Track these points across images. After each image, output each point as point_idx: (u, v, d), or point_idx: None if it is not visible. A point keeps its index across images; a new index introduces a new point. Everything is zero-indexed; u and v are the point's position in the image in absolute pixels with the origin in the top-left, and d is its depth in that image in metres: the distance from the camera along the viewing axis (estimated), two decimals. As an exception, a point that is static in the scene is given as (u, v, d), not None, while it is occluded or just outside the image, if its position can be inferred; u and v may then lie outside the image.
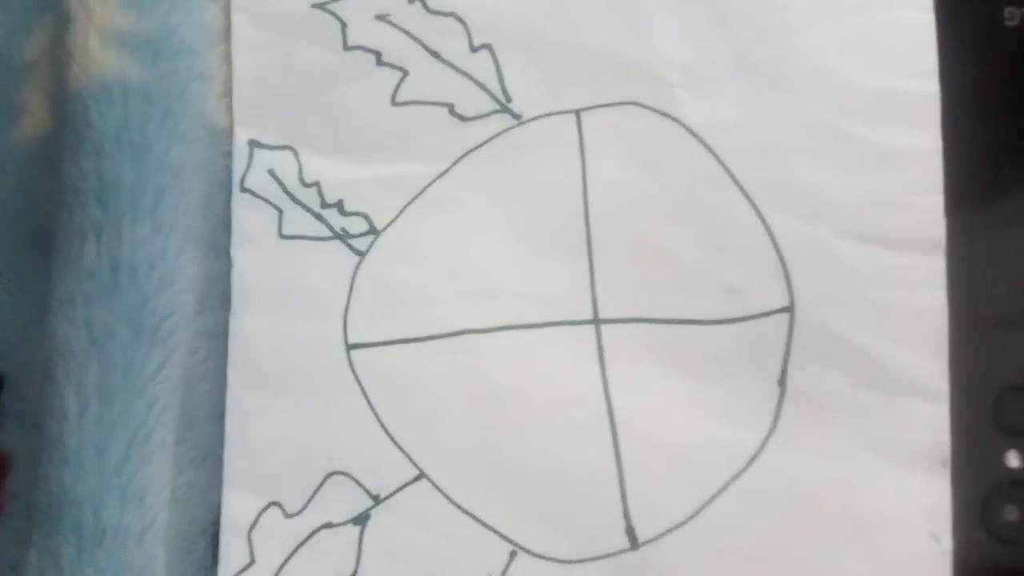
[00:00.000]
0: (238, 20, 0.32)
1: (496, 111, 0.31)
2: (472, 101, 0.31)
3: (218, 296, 0.32)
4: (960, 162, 0.30)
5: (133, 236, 0.29)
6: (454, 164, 0.31)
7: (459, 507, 0.31)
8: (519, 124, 0.31)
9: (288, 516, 0.31)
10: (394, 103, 0.32)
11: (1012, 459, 0.31)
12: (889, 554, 0.29)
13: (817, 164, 0.30)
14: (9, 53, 0.33)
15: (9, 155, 0.33)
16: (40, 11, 0.33)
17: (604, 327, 0.31)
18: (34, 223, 0.32)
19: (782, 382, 0.30)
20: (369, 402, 0.31)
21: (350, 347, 0.31)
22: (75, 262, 0.29)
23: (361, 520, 0.31)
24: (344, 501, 0.31)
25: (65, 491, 0.28)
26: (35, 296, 0.31)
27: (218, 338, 0.32)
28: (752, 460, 0.30)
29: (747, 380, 0.30)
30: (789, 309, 0.30)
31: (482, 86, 0.31)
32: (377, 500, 0.31)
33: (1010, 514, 0.30)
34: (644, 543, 0.30)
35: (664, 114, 0.31)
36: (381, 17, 0.32)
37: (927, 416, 0.30)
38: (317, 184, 0.32)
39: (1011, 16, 0.31)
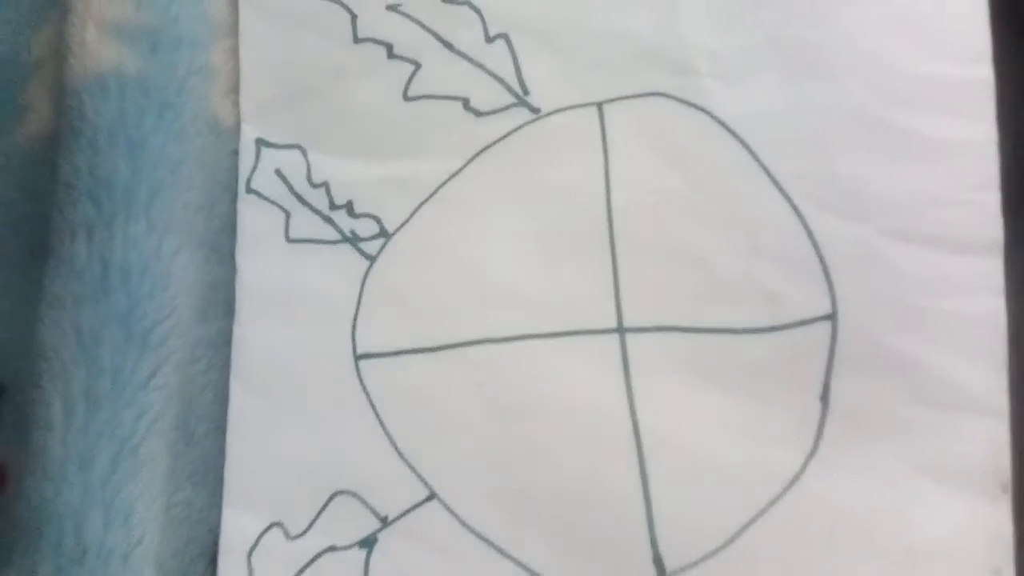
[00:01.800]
0: (245, 12, 0.32)
1: (513, 104, 0.31)
2: (488, 94, 0.31)
3: (221, 303, 0.31)
4: (1018, 154, 0.29)
5: (126, 235, 0.29)
6: (469, 162, 0.31)
7: (472, 531, 0.30)
8: (537, 118, 0.31)
9: (290, 538, 0.31)
10: (406, 98, 0.32)
11: None
12: None
13: (860, 158, 0.30)
14: (16, 51, 0.33)
15: (14, 155, 0.33)
16: (49, 7, 0.33)
17: (629, 336, 0.30)
18: (37, 226, 0.32)
19: (824, 397, 0.29)
20: (378, 416, 0.31)
21: (358, 357, 0.31)
22: (65, 262, 0.29)
23: (368, 543, 0.31)
24: (350, 523, 0.31)
25: (46, 505, 0.28)
26: (36, 303, 0.31)
27: (220, 347, 0.31)
28: (791, 483, 0.29)
29: (786, 395, 0.30)
30: (831, 317, 0.29)
31: (498, 78, 0.31)
32: (385, 522, 0.31)
33: None
34: (672, 573, 0.29)
35: (693, 105, 0.31)
36: (392, 7, 0.32)
37: (985, 435, 0.29)
38: (326, 184, 0.32)
39: None
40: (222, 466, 0.31)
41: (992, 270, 0.29)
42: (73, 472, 0.28)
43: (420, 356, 0.31)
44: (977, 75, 0.29)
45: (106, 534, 0.28)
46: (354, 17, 0.32)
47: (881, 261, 0.29)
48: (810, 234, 0.30)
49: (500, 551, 0.30)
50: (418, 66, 0.31)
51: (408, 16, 0.32)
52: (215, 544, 0.31)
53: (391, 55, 0.32)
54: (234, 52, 0.32)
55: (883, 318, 0.29)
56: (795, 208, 0.30)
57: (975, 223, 0.29)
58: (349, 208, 0.32)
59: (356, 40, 0.32)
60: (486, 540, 0.30)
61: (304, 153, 0.32)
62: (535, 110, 0.31)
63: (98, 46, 0.29)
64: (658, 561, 0.29)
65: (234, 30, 0.32)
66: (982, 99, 0.29)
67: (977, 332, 0.29)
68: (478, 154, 0.31)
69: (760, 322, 0.30)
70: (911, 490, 0.29)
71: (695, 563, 0.29)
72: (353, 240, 0.32)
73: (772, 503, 0.29)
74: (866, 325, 0.29)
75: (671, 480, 0.30)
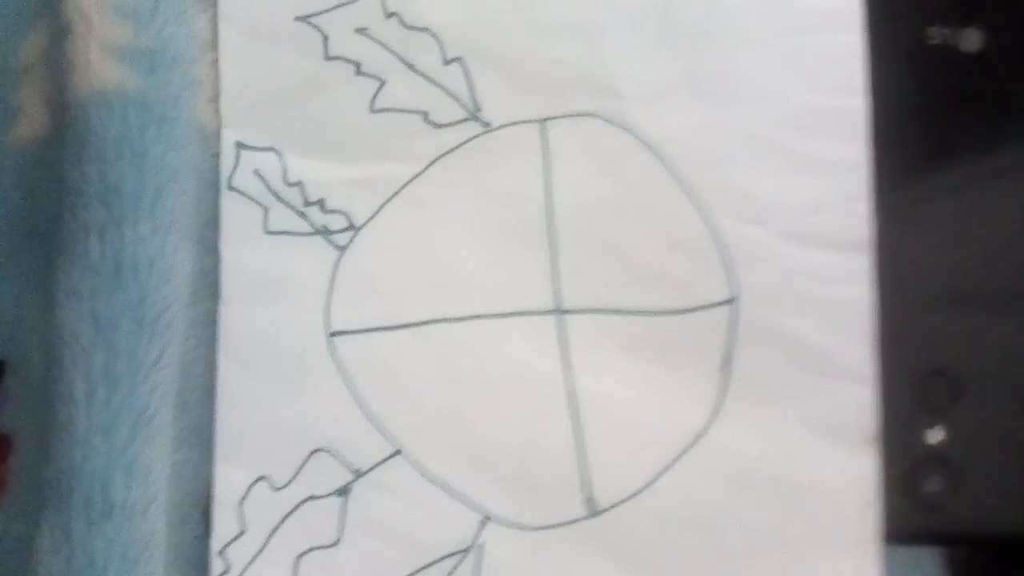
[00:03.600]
0: (225, 30, 0.32)
1: (467, 119, 0.32)
2: (445, 109, 0.32)
3: (208, 287, 0.33)
4: (887, 161, 0.32)
5: (134, 235, 0.30)
6: (428, 166, 0.32)
7: (433, 480, 0.32)
8: (488, 131, 0.32)
9: (276, 489, 0.32)
10: (372, 110, 0.32)
11: (934, 435, 0.32)
12: (823, 520, 0.31)
13: (757, 172, 0.32)
14: (4, 56, 0.33)
15: (7, 155, 0.33)
16: (35, 16, 0.33)
17: (566, 316, 0.32)
18: (32, 219, 0.33)
19: (725, 367, 0.32)
20: (350, 384, 0.32)
21: (332, 334, 0.32)
22: (80, 258, 0.30)
23: (343, 492, 0.32)
24: (327, 475, 0.32)
25: (75, 470, 0.29)
26: (34, 287, 0.32)
27: (209, 326, 0.33)
28: (700, 436, 0.32)
29: (695, 365, 0.32)
30: (731, 301, 0.32)
31: (454, 96, 0.32)
32: (358, 474, 0.32)
33: (931, 485, 0.32)
34: (602, 511, 0.32)
35: (620, 125, 0.32)
36: (360, 30, 0.32)
37: (854, 397, 0.31)
38: (300, 184, 0.33)
39: (934, 35, 0.33)
40: (212, 429, 0.32)
41: (860, 264, 0.31)
42: (98, 440, 0.29)
43: (386, 333, 0.32)
44: (852, 104, 0.31)
45: (128, 493, 0.29)
46: (325, 37, 0.32)
47: (773, 256, 0.31)
48: (714, 233, 0.32)
49: (457, 496, 0.32)
50: (383, 82, 0.32)
51: (374, 39, 0.32)
52: (208, 496, 0.32)
53: (359, 72, 0.32)
54: (216, 64, 0.32)
55: (774, 303, 0.31)
56: (703, 212, 0.32)
57: (848, 226, 0.31)
58: (321, 204, 0.32)
59: (327, 57, 0.32)
60: (445, 487, 0.32)
61: (280, 155, 0.33)
62: (486, 124, 0.32)
63: (101, 66, 0.30)
64: (590, 501, 0.32)
65: (215, 44, 0.32)
66: (856, 124, 0.31)
67: (849, 314, 0.31)
68: (436, 160, 0.32)
69: (674, 305, 0.32)
70: (797, 442, 0.31)
71: (620, 502, 0.32)
72: (325, 233, 0.32)
73: (684, 452, 0.32)
74: (760, 308, 0.31)
75: (601, 434, 0.32)
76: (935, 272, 0.33)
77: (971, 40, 0.33)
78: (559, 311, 0.32)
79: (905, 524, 0.32)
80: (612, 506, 0.32)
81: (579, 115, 0.32)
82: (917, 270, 0.33)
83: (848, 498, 0.31)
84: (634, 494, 0.32)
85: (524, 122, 0.32)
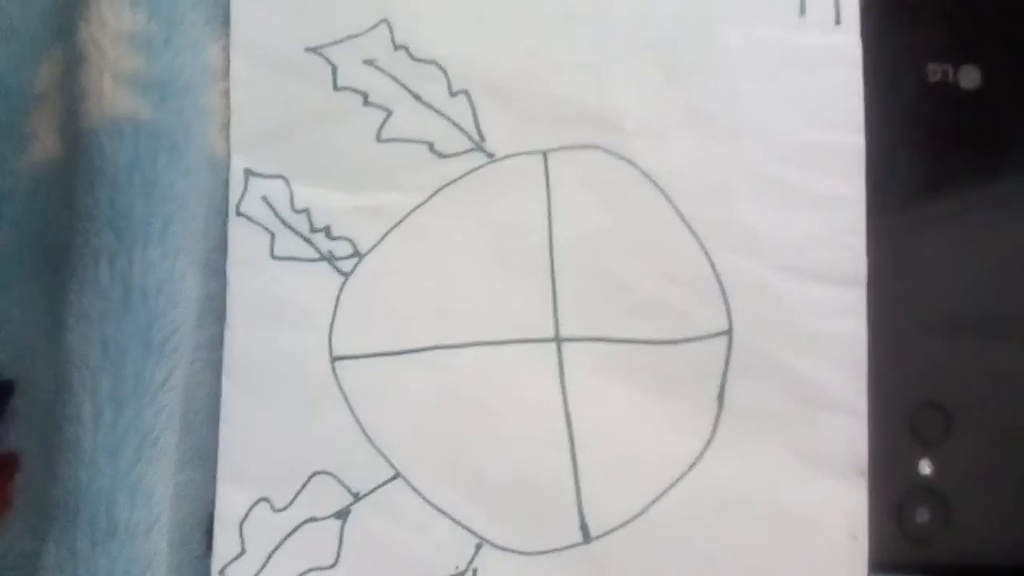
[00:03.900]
0: (236, 61, 0.33)
1: (471, 149, 0.33)
2: (450, 140, 0.33)
3: (214, 312, 0.33)
4: (882, 195, 0.32)
5: (144, 261, 0.30)
6: (432, 196, 0.33)
7: (431, 504, 0.32)
8: (492, 162, 0.33)
9: (276, 511, 0.32)
10: (379, 140, 0.33)
11: (924, 467, 0.33)
12: (813, 551, 0.31)
13: (756, 206, 0.32)
14: (19, 83, 0.34)
15: (19, 179, 0.33)
16: (49, 44, 0.33)
17: (564, 345, 0.32)
18: (43, 243, 0.33)
19: (720, 397, 0.32)
20: (351, 409, 0.32)
21: (335, 359, 0.33)
22: (90, 283, 0.30)
23: (342, 515, 0.32)
24: (327, 498, 0.32)
25: (81, 490, 0.29)
26: (44, 309, 0.32)
27: (214, 350, 0.33)
28: (693, 466, 0.32)
29: (690, 395, 0.32)
30: (728, 332, 0.32)
31: (459, 127, 0.33)
32: (357, 497, 0.32)
33: (921, 516, 0.32)
34: (595, 537, 0.32)
35: (621, 157, 0.32)
36: (368, 62, 0.33)
37: (847, 429, 0.31)
38: (307, 211, 0.33)
39: (933, 72, 0.33)
40: (215, 451, 0.32)
41: (856, 298, 0.31)
42: (103, 461, 0.29)
43: (388, 359, 0.32)
44: (850, 141, 0.32)
45: (132, 513, 0.29)
46: (334, 68, 0.33)
47: (769, 289, 0.32)
48: (712, 265, 0.32)
49: (453, 520, 0.32)
50: (390, 113, 0.33)
51: (382, 70, 0.33)
52: (210, 517, 0.32)
53: (366, 102, 0.33)
54: (226, 93, 0.33)
55: (769, 335, 0.32)
56: (701, 244, 0.32)
57: (844, 260, 0.32)
58: (327, 231, 0.33)
59: (336, 88, 0.33)
60: (442, 511, 0.32)
61: (287, 183, 0.33)
62: (490, 155, 0.33)
63: (114, 95, 0.30)
64: (584, 527, 0.32)
65: (226, 73, 0.33)
66: (853, 160, 0.32)
67: (843, 347, 0.31)
68: (440, 189, 0.33)
69: (671, 335, 0.32)
70: (789, 473, 0.31)
71: (614, 529, 0.32)
72: (330, 259, 0.33)
73: (677, 481, 0.32)
74: (755, 340, 0.32)
75: (596, 462, 0.32)
76: (927, 305, 0.33)
77: (970, 77, 0.34)
78: (558, 339, 0.32)
79: (895, 555, 0.32)
80: (605, 533, 0.32)
81: (581, 147, 0.33)
82: (910, 303, 0.33)
83: (839, 529, 0.31)
84: (627, 521, 0.32)
85: (527, 153, 0.33)
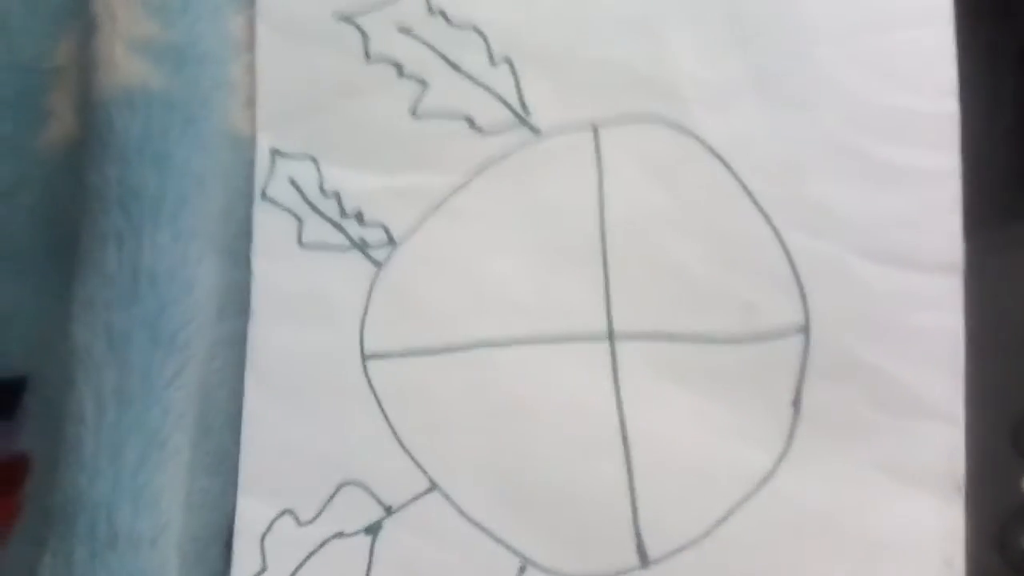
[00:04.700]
0: (262, 30, 0.32)
1: (515, 124, 0.32)
2: (491, 114, 0.32)
3: (236, 304, 0.32)
4: (981, 181, 0.30)
5: (154, 243, 0.29)
6: (473, 177, 0.32)
7: (470, 520, 0.31)
8: (537, 138, 0.32)
9: (301, 524, 0.32)
10: (414, 115, 0.32)
11: None
12: None
13: (833, 181, 0.30)
14: (38, 59, 0.33)
15: (37, 160, 0.33)
16: (69, 18, 0.33)
17: (619, 343, 0.31)
18: (60, 228, 0.32)
19: (796, 403, 0.30)
20: (384, 412, 0.32)
21: (366, 357, 0.32)
22: (96, 268, 0.30)
23: (373, 530, 0.31)
24: (357, 511, 0.31)
25: (80, 494, 0.29)
26: (59, 300, 0.31)
27: (236, 345, 0.32)
28: (764, 481, 0.30)
29: (761, 400, 0.31)
30: (804, 329, 0.30)
31: (501, 99, 0.32)
32: (389, 511, 0.31)
33: None
34: (654, 561, 0.30)
35: (681, 129, 0.31)
36: (403, 30, 0.32)
37: (942, 439, 0.30)
38: (337, 194, 0.32)
39: None
40: (236, 456, 0.32)
41: (952, 288, 0.30)
42: (105, 464, 0.28)
43: (424, 357, 0.32)
44: (943, 108, 0.30)
45: (135, 521, 0.28)
46: (366, 38, 0.32)
47: (850, 277, 0.30)
48: (786, 251, 0.30)
49: (495, 538, 0.31)
50: (426, 85, 0.32)
51: (418, 38, 0.32)
52: (229, 529, 0.32)
53: (401, 74, 0.32)
54: (252, 67, 0.32)
55: (851, 331, 0.30)
56: (772, 226, 0.31)
57: (938, 245, 0.30)
58: (359, 217, 0.32)
59: (368, 59, 0.32)
60: (482, 528, 0.31)
61: (317, 164, 0.32)
62: (535, 130, 0.32)
63: (125, 62, 0.30)
64: (641, 549, 0.30)
65: (252, 46, 0.32)
66: (947, 130, 0.30)
67: (937, 345, 0.30)
68: (481, 170, 0.32)
69: (738, 332, 0.31)
70: (874, 489, 0.30)
71: (674, 552, 0.30)
72: (362, 247, 0.32)
73: (746, 499, 0.30)
74: (836, 337, 0.30)
75: (654, 476, 0.31)
76: None
77: None
78: (611, 337, 0.31)
79: None
80: (665, 556, 0.31)
81: (636, 120, 0.31)
82: (1013, 297, 0.31)
83: (932, 554, 0.30)
84: (690, 543, 0.31)
85: (576, 127, 0.32)
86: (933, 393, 0.30)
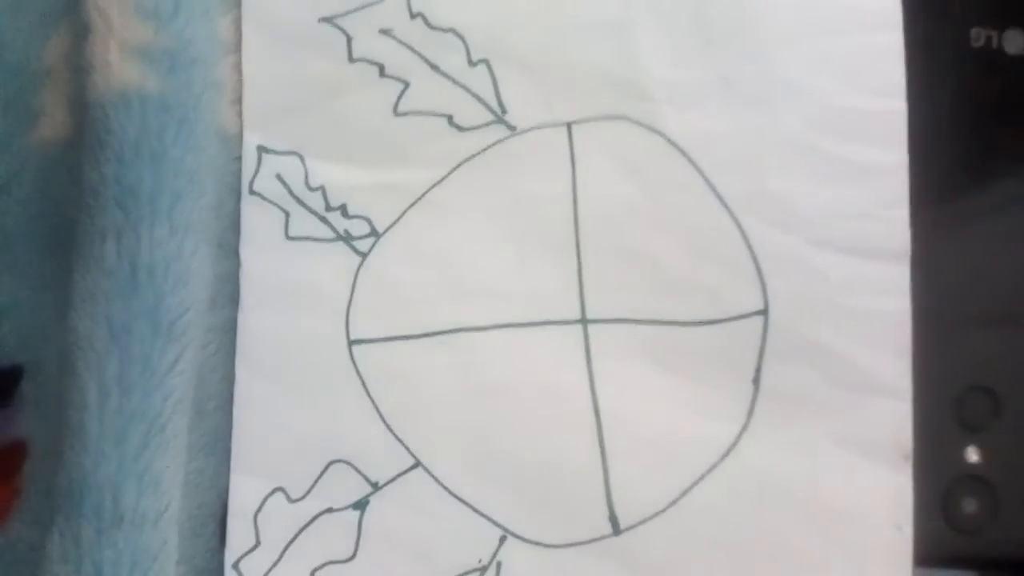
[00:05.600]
0: (249, 32, 0.32)
1: (492, 122, 0.32)
2: (470, 112, 0.32)
3: (228, 293, 0.32)
4: (924, 171, 0.31)
5: (151, 238, 0.30)
6: (452, 171, 0.32)
7: (452, 494, 0.32)
8: (514, 135, 0.32)
9: (292, 501, 0.32)
10: (396, 113, 0.32)
11: (971, 455, 0.32)
12: (855, 542, 0.30)
13: (792, 177, 0.31)
14: (27, 58, 0.33)
15: (29, 156, 0.33)
16: (58, 17, 0.33)
17: (591, 326, 0.32)
18: (53, 222, 0.33)
19: (756, 380, 0.31)
20: (369, 395, 0.32)
21: (352, 343, 0.32)
22: (96, 262, 0.30)
23: (360, 506, 0.32)
24: (345, 488, 0.32)
25: (86, 477, 0.29)
26: (53, 291, 0.32)
27: (227, 332, 0.32)
28: (727, 453, 0.31)
29: (724, 378, 0.31)
30: (764, 312, 0.31)
31: (479, 98, 0.32)
32: (376, 487, 0.32)
33: (968, 506, 0.32)
34: (625, 529, 0.31)
35: (650, 128, 0.32)
36: (385, 32, 0.32)
37: (890, 413, 0.31)
38: (322, 188, 0.33)
39: (977, 37, 0.33)
40: (229, 438, 0.32)
41: (899, 274, 0.31)
42: (109, 448, 0.29)
43: (407, 342, 0.32)
44: (892, 107, 0.31)
45: (139, 501, 0.29)
46: (349, 39, 0.32)
47: (807, 265, 0.31)
48: (747, 241, 0.31)
49: (476, 511, 0.32)
50: (407, 85, 0.32)
51: (399, 40, 0.32)
52: (223, 507, 0.32)
53: (383, 74, 0.32)
54: (238, 66, 0.32)
55: (807, 314, 0.31)
56: (735, 219, 0.31)
57: (887, 235, 0.31)
58: (343, 210, 0.32)
59: (351, 59, 0.32)
60: (464, 502, 0.32)
61: (302, 159, 0.32)
62: (512, 127, 0.32)
63: (121, 66, 0.30)
64: (613, 518, 0.31)
65: (238, 46, 0.32)
66: (895, 128, 0.31)
67: (886, 327, 0.30)
68: (460, 164, 0.32)
69: (703, 315, 0.31)
70: (829, 460, 0.31)
71: (644, 520, 0.31)
72: (347, 238, 0.32)
73: (710, 470, 0.31)
74: (793, 319, 0.31)
75: (625, 450, 0.31)
76: (976, 287, 0.32)
77: (1015, 42, 0.33)
78: (584, 321, 0.32)
79: (941, 547, 0.32)
80: (635, 524, 0.31)
81: (608, 117, 0.32)
82: (957, 284, 0.32)
83: (883, 519, 0.31)
84: (658, 512, 0.31)
85: (550, 125, 0.32)
86: (882, 371, 0.30)
